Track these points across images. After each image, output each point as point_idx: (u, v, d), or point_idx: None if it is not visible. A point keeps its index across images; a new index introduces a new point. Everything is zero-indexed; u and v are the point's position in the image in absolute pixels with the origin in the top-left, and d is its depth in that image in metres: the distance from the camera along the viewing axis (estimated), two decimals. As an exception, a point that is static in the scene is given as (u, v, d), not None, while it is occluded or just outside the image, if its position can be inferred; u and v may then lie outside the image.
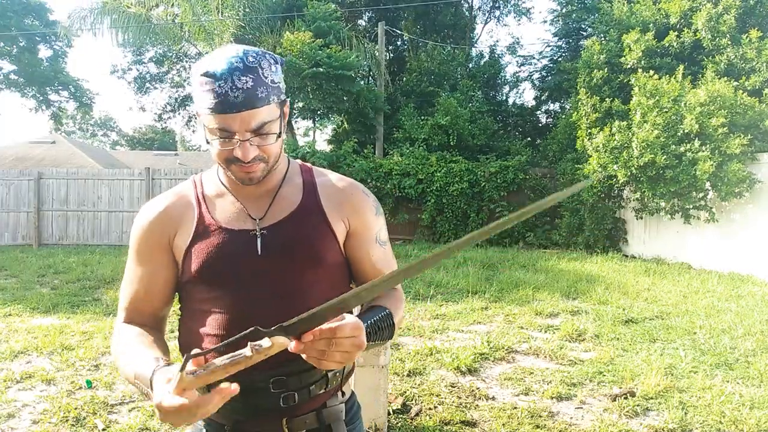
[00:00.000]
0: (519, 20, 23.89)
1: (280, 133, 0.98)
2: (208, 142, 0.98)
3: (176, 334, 1.12)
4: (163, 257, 1.03)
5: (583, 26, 16.79)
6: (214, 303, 0.98)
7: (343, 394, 1.10)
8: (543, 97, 17.97)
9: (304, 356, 0.80)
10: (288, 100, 1.02)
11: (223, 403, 0.77)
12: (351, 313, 0.91)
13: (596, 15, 12.20)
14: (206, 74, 0.91)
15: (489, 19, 20.99)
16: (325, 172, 1.13)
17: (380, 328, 0.93)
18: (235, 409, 0.97)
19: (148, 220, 1.05)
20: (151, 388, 0.81)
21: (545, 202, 0.74)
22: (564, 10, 17.34)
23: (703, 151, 7.59)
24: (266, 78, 0.93)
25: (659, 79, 8.53)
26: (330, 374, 1.02)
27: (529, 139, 16.35)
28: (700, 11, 8.81)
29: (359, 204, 1.08)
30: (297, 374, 0.98)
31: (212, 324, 0.98)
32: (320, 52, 12.30)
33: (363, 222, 1.08)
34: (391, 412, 3.05)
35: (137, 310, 1.04)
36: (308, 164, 1.14)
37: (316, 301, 0.84)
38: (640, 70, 8.91)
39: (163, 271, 1.04)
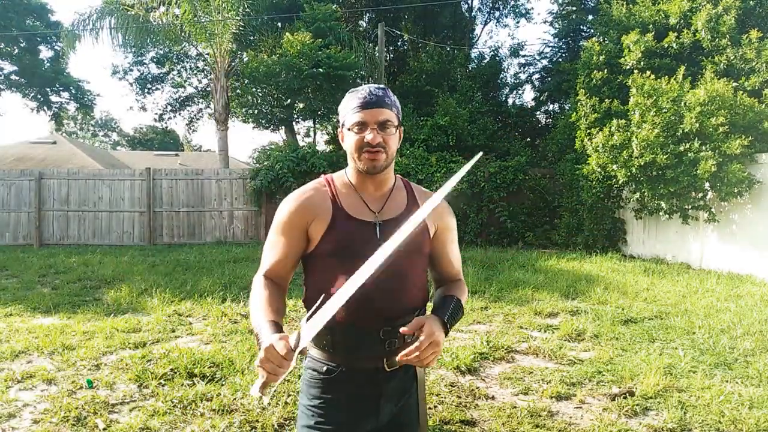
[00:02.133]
0: (518, 22, 23.88)
1: (398, 137, 1.41)
2: (340, 147, 1.43)
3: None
4: (300, 234, 1.40)
5: (582, 27, 16.80)
6: (342, 272, 1.31)
7: None
8: (542, 98, 17.98)
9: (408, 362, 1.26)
10: (402, 127, 1.44)
11: (341, 346, 1.36)
12: (423, 308, 1.43)
13: (595, 16, 12.21)
14: (353, 91, 1.39)
15: (489, 20, 21.02)
16: (419, 187, 1.55)
17: (455, 315, 1.39)
18: (348, 350, 1.37)
19: (294, 206, 1.40)
20: (261, 337, 1.20)
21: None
22: (563, 11, 17.36)
23: (704, 151, 7.60)
24: (391, 96, 1.39)
25: (658, 79, 8.53)
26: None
27: (528, 139, 16.36)
28: (700, 12, 8.82)
29: (445, 215, 1.51)
30: (399, 326, 1.32)
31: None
32: (320, 52, 12.31)
33: (447, 227, 1.51)
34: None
35: (273, 270, 1.42)
36: (406, 180, 1.56)
37: (414, 278, 1.40)
38: (636, 71, 8.91)
39: (297, 246, 1.41)
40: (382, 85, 1.40)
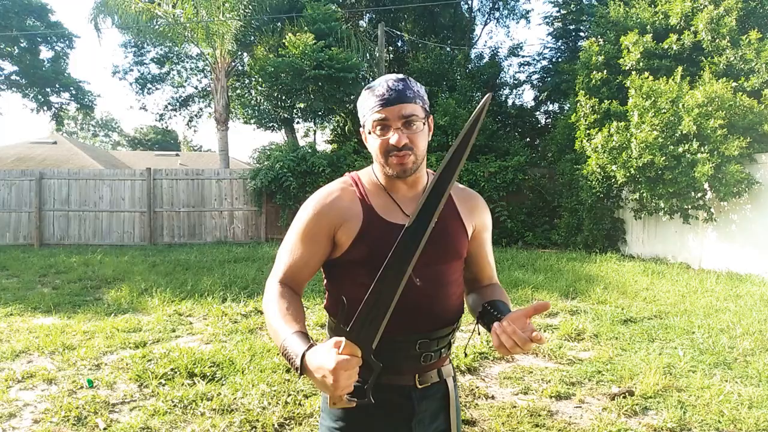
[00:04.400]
0: (518, 22, 23.91)
1: (427, 131, 1.25)
2: (364, 148, 1.27)
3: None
4: (324, 241, 1.25)
5: (581, 28, 16.81)
6: (372, 280, 1.17)
7: (450, 362, 1.40)
8: (542, 98, 17.99)
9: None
10: (432, 115, 1.29)
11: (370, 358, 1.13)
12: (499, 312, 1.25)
13: (593, 17, 12.21)
14: (368, 88, 1.23)
15: (488, 21, 21.01)
16: (455, 183, 1.39)
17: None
18: (382, 365, 1.19)
19: (319, 208, 1.25)
20: (301, 362, 1.03)
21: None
22: (561, 12, 17.36)
23: (702, 153, 7.60)
24: (413, 86, 1.22)
25: (657, 80, 8.53)
26: (452, 341, 1.33)
27: (528, 139, 16.36)
28: (702, 13, 8.81)
29: (482, 212, 1.39)
30: (436, 339, 1.25)
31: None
32: (322, 53, 12.32)
33: (484, 226, 1.39)
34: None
35: (290, 277, 1.26)
36: None
37: (454, 285, 1.27)
38: (634, 72, 8.92)
39: (321, 252, 1.26)
40: (401, 75, 1.24)
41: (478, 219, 1.37)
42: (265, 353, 4.09)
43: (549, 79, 17.39)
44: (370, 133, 1.23)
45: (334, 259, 1.27)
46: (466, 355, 3.93)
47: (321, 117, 16.45)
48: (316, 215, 1.25)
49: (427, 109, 1.26)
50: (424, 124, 1.23)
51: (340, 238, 1.24)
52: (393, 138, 1.18)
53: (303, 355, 1.03)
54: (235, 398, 3.26)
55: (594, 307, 5.61)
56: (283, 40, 12.92)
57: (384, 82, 1.21)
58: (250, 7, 14.05)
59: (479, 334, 1.31)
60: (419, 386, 1.26)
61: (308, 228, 1.25)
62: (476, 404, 3.26)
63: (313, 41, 12.33)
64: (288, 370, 3.75)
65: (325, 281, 1.34)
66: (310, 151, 12.28)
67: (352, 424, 1.25)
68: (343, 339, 1.00)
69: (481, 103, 1.06)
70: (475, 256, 1.39)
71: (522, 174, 11.79)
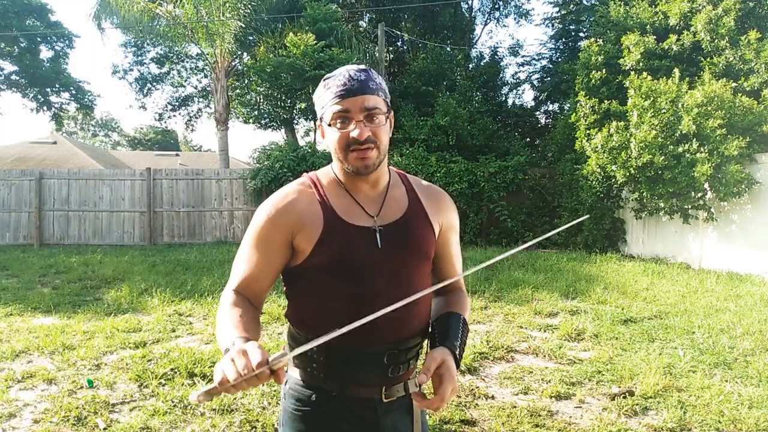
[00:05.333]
0: (518, 22, 23.88)
1: (388, 126, 1.18)
2: (322, 139, 1.18)
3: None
4: (281, 248, 1.16)
5: (581, 28, 16.81)
6: (339, 288, 1.14)
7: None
8: (542, 98, 17.99)
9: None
10: (392, 112, 1.21)
11: (336, 370, 1.13)
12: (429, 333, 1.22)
13: (593, 17, 12.22)
14: (328, 78, 1.15)
15: (489, 21, 21.01)
16: (416, 179, 1.33)
17: (464, 343, 1.19)
18: (346, 376, 1.16)
19: (273, 213, 1.16)
20: (232, 345, 0.94)
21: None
22: (562, 12, 17.36)
23: (701, 153, 7.60)
24: (375, 78, 1.15)
25: (657, 80, 8.54)
26: (419, 352, 1.24)
27: (528, 139, 16.36)
28: (700, 13, 8.82)
29: (449, 209, 1.31)
30: (405, 350, 1.18)
31: (336, 307, 1.14)
32: (322, 54, 12.32)
33: (450, 224, 1.31)
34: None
35: (247, 287, 1.17)
36: (402, 171, 1.33)
37: (418, 287, 1.14)
38: (633, 73, 8.92)
39: (278, 260, 1.17)
40: (363, 66, 1.16)
41: (444, 217, 1.29)
42: (265, 353, 4.08)
43: (549, 79, 17.40)
44: (329, 125, 1.13)
45: (294, 267, 1.18)
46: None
47: (321, 117, 16.43)
48: (271, 220, 1.16)
49: (389, 103, 1.19)
50: (386, 118, 1.15)
51: (299, 244, 1.15)
52: (354, 131, 1.10)
53: (236, 341, 0.95)
54: (234, 398, 3.26)
55: (594, 307, 5.61)
56: (284, 40, 12.93)
57: (345, 72, 1.13)
58: (250, 6, 14.05)
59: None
60: (385, 400, 1.19)
61: (263, 234, 1.16)
62: (476, 404, 3.26)
63: (314, 41, 12.33)
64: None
65: (285, 288, 1.25)
66: (310, 151, 12.28)
67: None
68: (263, 349, 0.89)
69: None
70: (441, 257, 1.30)
71: (522, 174, 11.79)
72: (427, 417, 3.04)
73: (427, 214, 1.25)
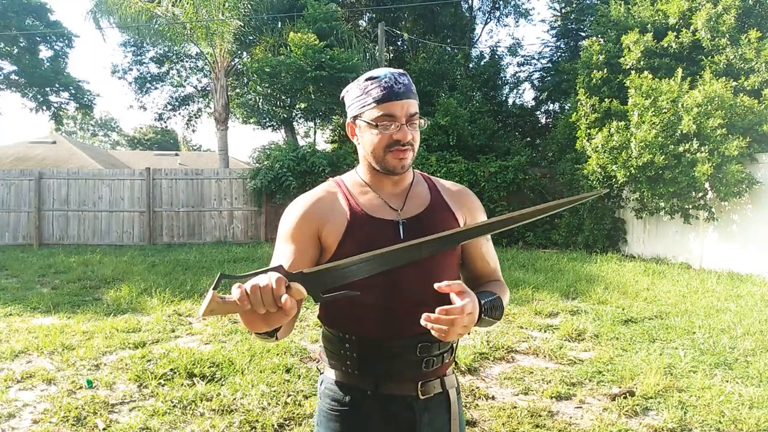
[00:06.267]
0: (517, 22, 23.86)
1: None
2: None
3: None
4: (310, 244, 1.19)
5: (581, 27, 16.80)
6: (366, 281, 1.10)
7: (453, 372, 1.31)
8: (542, 98, 17.98)
9: (430, 328, 0.98)
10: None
11: (369, 366, 1.14)
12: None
13: (594, 16, 12.21)
14: (370, 78, 1.17)
15: (489, 20, 20.99)
16: (440, 179, 1.36)
17: (493, 308, 1.14)
18: (379, 372, 1.16)
19: (301, 211, 1.21)
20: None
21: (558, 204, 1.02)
22: (563, 11, 17.36)
23: (702, 152, 7.59)
24: (412, 85, 1.20)
25: (658, 80, 8.53)
26: (454, 345, 1.25)
27: (528, 139, 16.35)
28: (700, 11, 8.81)
29: (474, 205, 1.33)
30: (437, 342, 1.16)
31: (365, 300, 1.11)
32: (323, 54, 12.31)
33: (477, 219, 1.32)
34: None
35: None
36: (425, 173, 1.37)
37: (444, 279, 1.06)
38: (634, 72, 8.91)
39: (308, 254, 1.19)
40: (402, 71, 1.19)
41: (470, 213, 1.30)
42: (264, 353, 4.08)
43: (549, 78, 17.38)
44: (370, 125, 1.16)
45: (325, 263, 1.21)
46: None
47: (321, 117, 16.44)
48: (299, 219, 1.20)
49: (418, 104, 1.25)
50: (421, 122, 1.20)
51: (326, 239, 1.19)
52: (399, 133, 1.15)
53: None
54: (234, 398, 3.25)
55: (594, 308, 5.61)
56: (285, 40, 12.92)
57: (390, 75, 1.16)
58: (249, 6, 14.04)
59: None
60: (421, 396, 1.19)
61: (292, 232, 1.20)
62: (476, 405, 3.25)
63: (314, 42, 12.33)
64: (288, 370, 3.74)
65: None
66: (310, 150, 12.27)
67: None
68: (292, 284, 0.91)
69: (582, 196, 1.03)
70: (472, 253, 1.30)
71: (522, 174, 11.79)
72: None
73: (450, 206, 1.28)
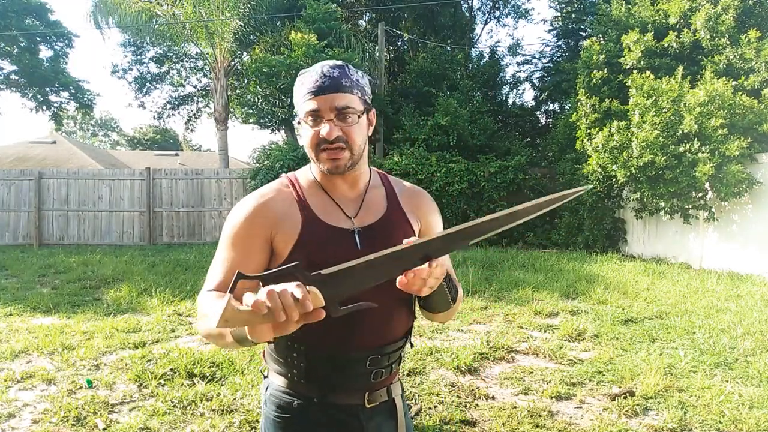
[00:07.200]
0: (517, 22, 23.81)
1: (365, 125, 1.15)
2: (300, 137, 1.16)
3: None
4: (259, 247, 1.11)
5: (582, 27, 16.80)
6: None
7: (399, 379, 1.30)
8: (542, 98, 17.98)
9: (403, 283, 0.96)
10: (373, 109, 1.19)
11: (318, 376, 1.11)
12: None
13: (594, 16, 12.21)
14: (302, 74, 1.13)
15: (489, 20, 21.01)
16: (398, 180, 1.31)
17: (450, 280, 1.13)
18: (327, 382, 1.14)
19: (249, 213, 1.13)
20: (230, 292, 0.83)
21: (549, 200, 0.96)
22: (563, 11, 17.35)
23: (703, 152, 7.59)
24: (351, 75, 1.12)
25: (659, 79, 8.53)
26: (402, 356, 1.24)
27: (528, 139, 16.36)
28: (699, 11, 8.82)
29: (429, 209, 1.29)
30: (388, 355, 1.16)
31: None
32: (323, 54, 12.31)
33: (430, 223, 1.29)
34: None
35: (223, 289, 1.09)
36: (383, 172, 1.31)
37: (404, 293, 1.03)
38: (635, 71, 8.91)
39: (257, 260, 1.11)
40: (339, 62, 1.13)
41: (424, 218, 1.26)
42: (264, 353, 4.07)
43: (549, 78, 17.39)
44: (301, 123, 1.13)
45: None
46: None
47: (321, 117, 16.40)
48: (248, 220, 1.12)
49: (368, 101, 1.16)
50: (359, 116, 1.12)
51: (277, 245, 1.11)
52: (324, 129, 1.08)
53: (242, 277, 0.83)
54: (234, 398, 3.25)
55: (594, 308, 5.61)
56: (285, 40, 12.91)
57: (319, 68, 1.11)
58: (249, 6, 14.03)
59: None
60: (368, 405, 1.17)
61: (241, 234, 1.11)
62: (476, 405, 3.25)
63: (316, 41, 12.33)
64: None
65: None
66: (310, 150, 12.26)
67: None
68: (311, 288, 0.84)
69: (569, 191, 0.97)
70: None
71: (522, 174, 11.79)
72: (427, 417, 3.03)
73: (407, 215, 1.23)
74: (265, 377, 1.24)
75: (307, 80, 1.11)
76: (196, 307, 1.10)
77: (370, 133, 1.19)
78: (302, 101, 1.11)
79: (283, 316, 0.79)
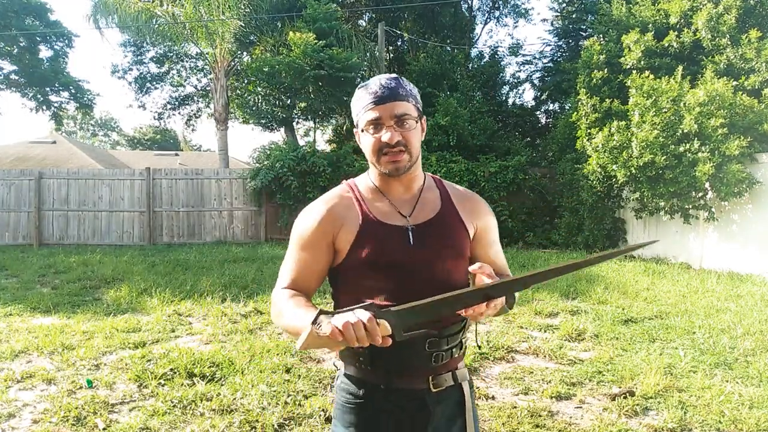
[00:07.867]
0: (516, 22, 23.78)
1: (420, 130, 1.26)
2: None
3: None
4: (325, 248, 1.26)
5: (582, 26, 16.80)
6: (377, 285, 1.21)
7: (465, 366, 1.37)
8: (543, 97, 17.98)
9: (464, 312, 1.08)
10: (425, 116, 1.30)
11: (380, 360, 1.19)
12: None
13: (595, 16, 12.21)
14: (362, 87, 1.25)
15: (489, 20, 20.98)
16: (452, 184, 1.41)
17: (508, 295, 1.20)
18: (390, 367, 1.22)
19: (316, 217, 1.27)
20: (315, 322, 0.99)
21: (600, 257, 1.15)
22: (563, 11, 17.35)
23: (703, 152, 7.59)
24: (405, 85, 1.25)
25: (659, 79, 8.53)
26: (464, 342, 1.31)
27: (528, 139, 16.35)
28: (701, 11, 8.81)
29: (484, 213, 1.37)
30: (445, 337, 1.23)
31: (379, 300, 1.18)
32: (322, 53, 12.31)
33: (488, 227, 1.37)
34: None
35: (296, 285, 1.26)
36: (438, 177, 1.41)
37: (456, 286, 1.16)
38: (635, 71, 8.91)
39: (323, 258, 1.26)
40: (394, 75, 1.26)
41: (480, 220, 1.35)
42: (264, 353, 4.08)
43: (550, 78, 17.38)
44: (363, 131, 1.24)
45: (336, 267, 1.27)
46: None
47: (321, 117, 16.43)
48: (314, 222, 1.26)
49: (420, 109, 1.27)
50: (416, 122, 1.24)
51: (339, 243, 1.24)
52: (385, 135, 1.19)
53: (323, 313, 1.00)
54: (234, 398, 3.25)
55: (594, 308, 5.61)
56: (285, 39, 12.91)
57: (377, 81, 1.23)
58: (249, 6, 14.03)
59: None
60: (433, 390, 1.24)
61: (307, 238, 1.26)
62: (476, 405, 3.25)
63: (315, 40, 12.33)
64: (288, 370, 3.74)
65: (332, 291, 1.34)
66: (310, 150, 12.27)
67: (365, 430, 1.24)
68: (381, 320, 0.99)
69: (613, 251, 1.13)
70: (481, 257, 1.34)
71: (522, 174, 11.78)
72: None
73: (460, 215, 1.32)
74: (338, 369, 1.34)
75: (366, 92, 1.23)
76: (272, 301, 1.26)
77: (423, 138, 1.30)
78: (362, 111, 1.23)
79: (355, 343, 0.94)
